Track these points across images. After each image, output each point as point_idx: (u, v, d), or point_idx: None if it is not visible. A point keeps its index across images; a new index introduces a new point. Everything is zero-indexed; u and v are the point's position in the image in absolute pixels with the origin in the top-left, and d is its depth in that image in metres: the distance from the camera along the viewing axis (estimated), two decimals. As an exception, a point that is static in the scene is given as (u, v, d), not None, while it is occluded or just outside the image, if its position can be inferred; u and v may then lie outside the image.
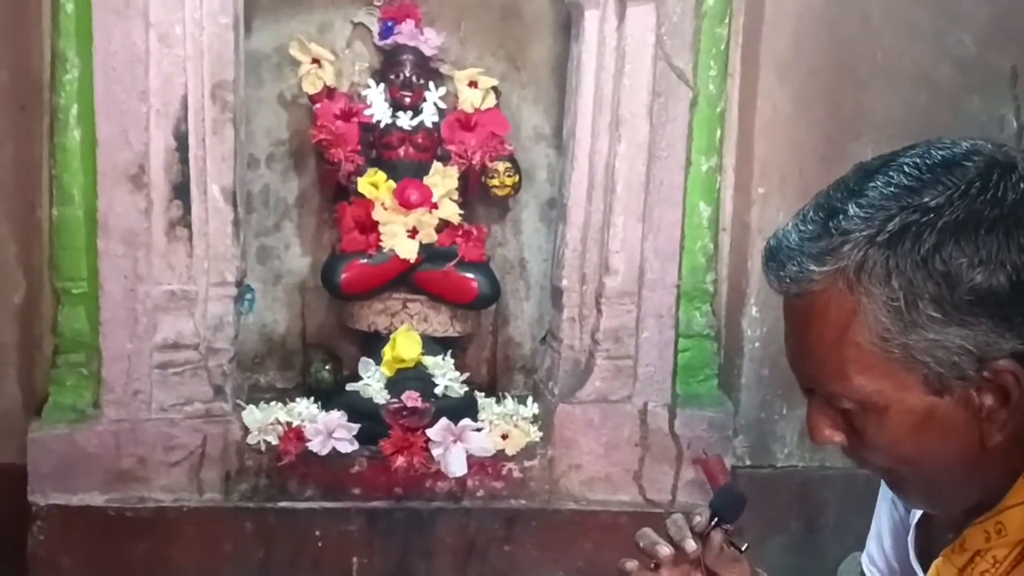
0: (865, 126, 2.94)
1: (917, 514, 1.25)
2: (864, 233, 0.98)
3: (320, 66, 2.95)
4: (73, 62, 2.71)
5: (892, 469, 1.09)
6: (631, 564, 1.22)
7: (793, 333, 1.06)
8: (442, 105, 3.03)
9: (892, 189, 0.99)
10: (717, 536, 1.23)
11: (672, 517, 1.24)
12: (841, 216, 1.00)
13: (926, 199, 0.97)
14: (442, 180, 2.98)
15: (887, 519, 1.35)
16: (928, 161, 1.00)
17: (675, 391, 2.92)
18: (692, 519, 1.24)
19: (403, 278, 3.00)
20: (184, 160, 2.72)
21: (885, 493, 1.34)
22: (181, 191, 2.73)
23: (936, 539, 1.18)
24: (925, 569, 1.21)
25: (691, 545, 1.21)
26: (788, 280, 1.02)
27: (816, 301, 1.01)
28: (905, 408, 1.01)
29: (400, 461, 2.79)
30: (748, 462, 3.02)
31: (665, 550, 1.21)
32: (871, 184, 1.00)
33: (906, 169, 1.00)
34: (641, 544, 1.22)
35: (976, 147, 1.02)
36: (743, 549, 1.25)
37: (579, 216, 2.91)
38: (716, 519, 1.23)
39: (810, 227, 1.01)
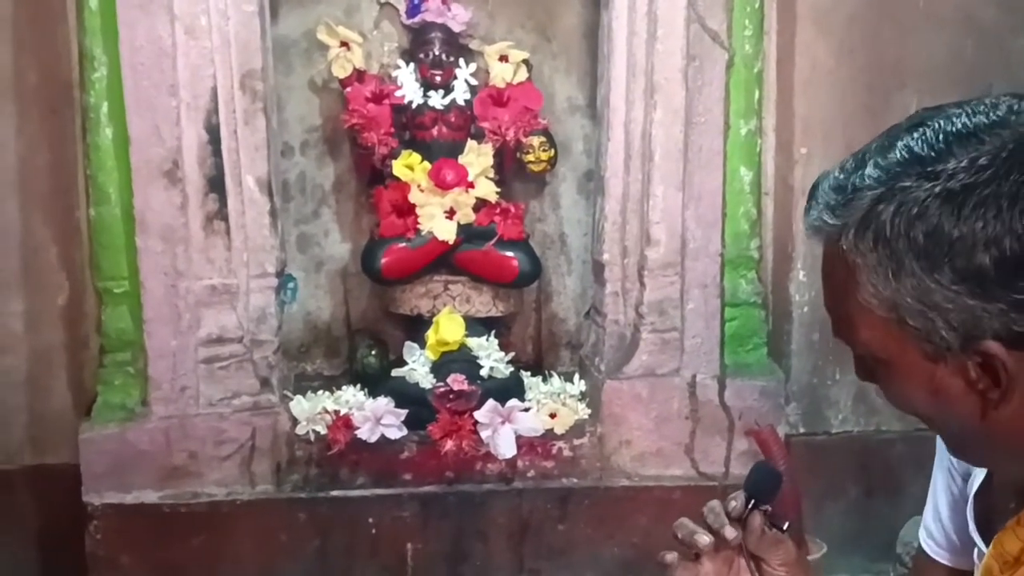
0: (909, 75, 2.86)
1: (976, 484, 1.21)
2: (871, 193, 0.96)
3: (349, 49, 2.92)
4: (100, 59, 2.70)
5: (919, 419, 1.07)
6: (671, 556, 1.19)
7: (821, 278, 1.05)
8: (473, 82, 2.99)
9: (906, 154, 0.96)
10: (756, 519, 1.19)
11: (708, 505, 1.21)
12: (862, 171, 0.97)
13: (929, 169, 0.94)
14: (477, 158, 2.94)
15: (944, 490, 1.31)
16: (950, 128, 0.96)
17: (724, 361, 2.87)
18: (728, 504, 1.20)
19: (443, 260, 2.98)
20: (217, 152, 2.71)
21: (941, 463, 1.30)
22: (216, 184, 2.72)
23: (997, 510, 1.14)
24: (986, 540, 1.17)
25: (731, 532, 1.18)
26: (809, 225, 1.02)
27: (827, 253, 1.01)
28: (908, 368, 1.00)
29: (449, 445, 2.77)
30: (802, 429, 2.97)
31: (705, 539, 1.18)
32: (899, 143, 0.97)
33: (927, 134, 0.96)
34: (680, 535, 1.19)
35: (1008, 121, 0.95)
36: (784, 529, 1.21)
37: (617, 187, 2.85)
38: (752, 501, 1.19)
39: (840, 177, 0.99)
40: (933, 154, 0.95)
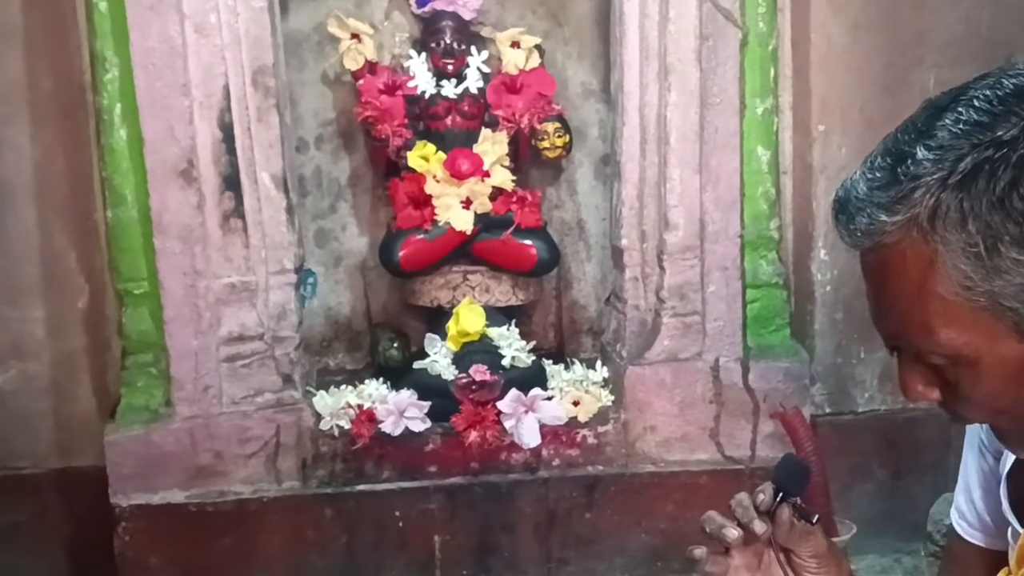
0: (927, 50, 2.82)
1: (1008, 464, 1.19)
2: (935, 176, 0.90)
3: (360, 41, 2.90)
4: (112, 61, 2.69)
5: (993, 423, 1.03)
6: (700, 551, 1.18)
7: (872, 289, 0.99)
8: (486, 69, 2.97)
9: (962, 126, 0.91)
10: (785, 511, 1.17)
11: (736, 498, 1.19)
12: (910, 160, 0.92)
13: (999, 133, 0.89)
14: (492, 147, 2.92)
15: (975, 471, 1.29)
16: (1000, 92, 0.92)
17: (746, 344, 2.85)
18: (756, 497, 1.18)
19: (461, 250, 2.97)
20: (231, 151, 2.70)
21: (971, 443, 1.28)
22: (231, 182, 2.71)
23: (1033, 490, 1.12)
24: (1021, 520, 1.15)
25: (760, 526, 1.16)
26: (859, 233, 0.95)
27: (891, 253, 0.94)
28: (999, 358, 0.94)
29: (473, 436, 2.76)
30: (828, 410, 2.94)
31: (733, 533, 1.16)
32: (939, 123, 0.92)
33: (976, 103, 0.92)
34: (708, 529, 1.17)
35: None
36: (814, 521, 1.19)
37: (634, 172, 2.83)
38: (781, 494, 1.18)
39: (878, 175, 0.94)
40: (994, 117, 0.90)
